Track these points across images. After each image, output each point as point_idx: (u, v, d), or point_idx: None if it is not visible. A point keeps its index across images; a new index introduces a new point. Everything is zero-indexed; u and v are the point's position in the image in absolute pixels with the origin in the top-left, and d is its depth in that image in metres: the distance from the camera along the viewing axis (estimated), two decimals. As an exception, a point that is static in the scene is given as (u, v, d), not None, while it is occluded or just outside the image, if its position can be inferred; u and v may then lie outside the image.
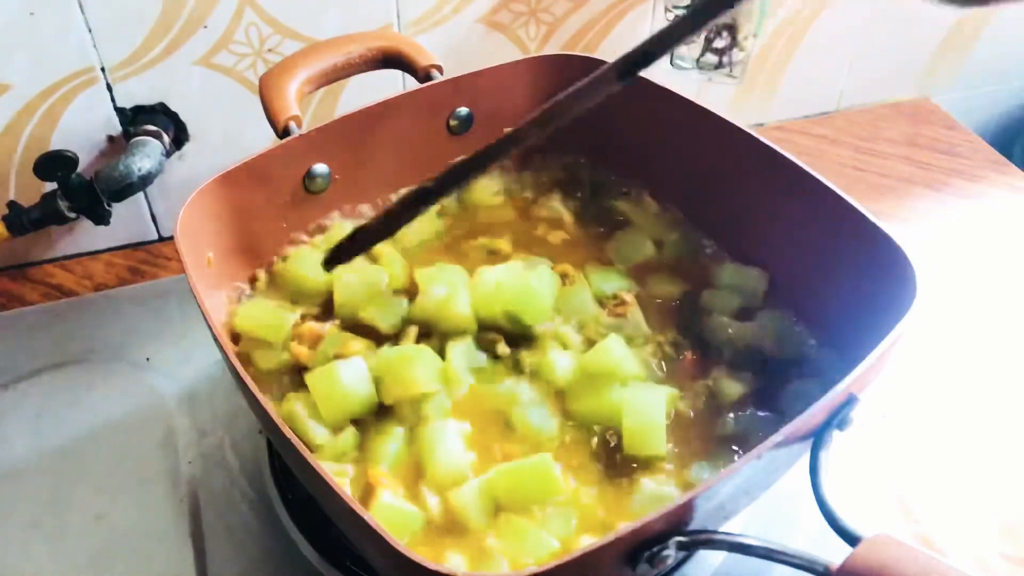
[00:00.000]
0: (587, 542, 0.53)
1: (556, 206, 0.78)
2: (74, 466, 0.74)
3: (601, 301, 0.69)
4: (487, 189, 0.80)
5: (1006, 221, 0.98)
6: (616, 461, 0.59)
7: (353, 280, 0.68)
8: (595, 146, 0.81)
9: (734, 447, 0.60)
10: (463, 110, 0.77)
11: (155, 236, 0.97)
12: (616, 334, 0.64)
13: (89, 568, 0.67)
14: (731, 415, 0.62)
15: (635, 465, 0.58)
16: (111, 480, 0.73)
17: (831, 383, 0.50)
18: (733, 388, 0.63)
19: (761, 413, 0.62)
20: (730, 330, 0.67)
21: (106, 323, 0.86)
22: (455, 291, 0.65)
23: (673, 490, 0.57)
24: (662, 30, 0.51)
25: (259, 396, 0.51)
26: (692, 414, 0.62)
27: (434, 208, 0.77)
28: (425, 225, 0.75)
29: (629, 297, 0.68)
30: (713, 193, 0.73)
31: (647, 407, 0.59)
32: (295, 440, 0.48)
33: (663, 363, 0.65)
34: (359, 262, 0.66)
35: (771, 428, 0.49)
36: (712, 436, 0.61)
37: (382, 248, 0.71)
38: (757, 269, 0.70)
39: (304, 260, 0.70)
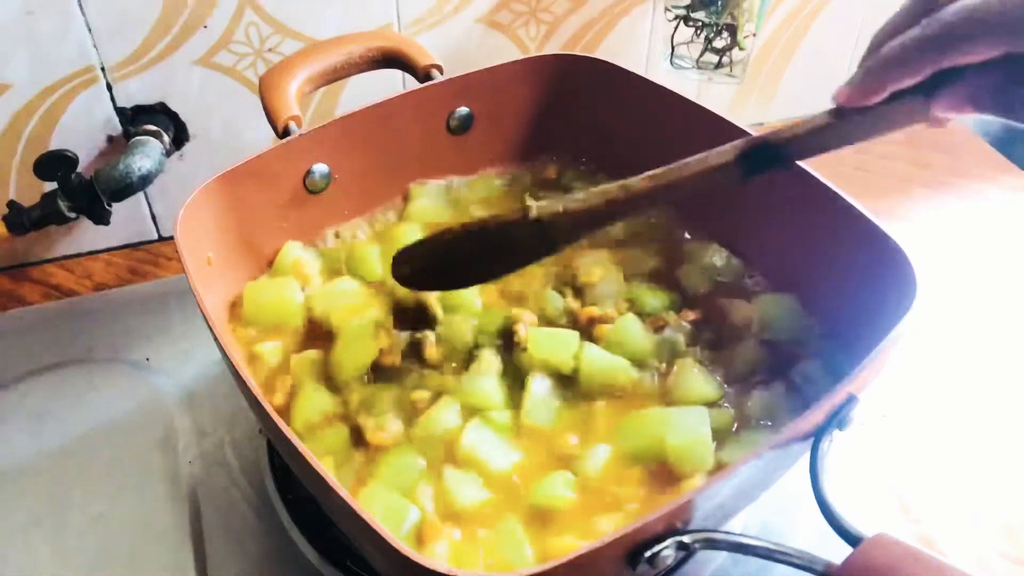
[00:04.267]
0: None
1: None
2: (74, 466, 0.74)
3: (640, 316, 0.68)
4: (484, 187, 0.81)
5: (1006, 221, 0.98)
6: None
7: (330, 291, 0.69)
8: (593, 146, 0.81)
9: (763, 422, 0.61)
10: (463, 110, 0.77)
11: (155, 236, 0.97)
12: (684, 359, 0.64)
13: (89, 568, 0.67)
14: (755, 392, 0.62)
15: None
16: (111, 480, 0.73)
17: (832, 364, 0.49)
18: (749, 363, 0.64)
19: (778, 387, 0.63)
20: (735, 310, 0.68)
21: (106, 323, 0.86)
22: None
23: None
24: (807, 127, 0.50)
25: (259, 396, 0.51)
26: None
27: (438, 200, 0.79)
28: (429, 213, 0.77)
29: (669, 316, 0.68)
30: (712, 194, 0.73)
31: (692, 424, 0.59)
32: (295, 440, 0.48)
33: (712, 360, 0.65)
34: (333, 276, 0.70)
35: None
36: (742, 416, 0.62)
37: (364, 249, 0.72)
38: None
39: (268, 289, 0.69)
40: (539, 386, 0.63)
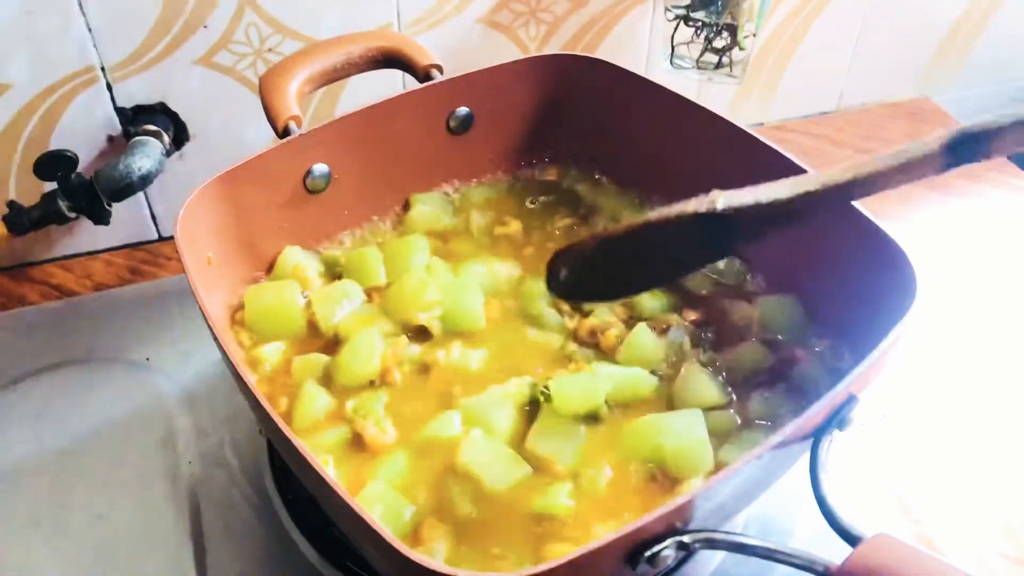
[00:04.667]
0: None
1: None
2: (74, 466, 0.74)
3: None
4: (483, 193, 0.80)
5: (1006, 221, 0.98)
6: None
7: (330, 294, 0.69)
8: (593, 146, 0.81)
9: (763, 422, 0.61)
10: (463, 110, 0.77)
11: (155, 236, 0.97)
12: (691, 364, 0.64)
13: (89, 568, 0.67)
14: (755, 392, 0.62)
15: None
16: (111, 480, 0.73)
17: (832, 365, 0.49)
18: (751, 363, 0.64)
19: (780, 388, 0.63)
20: (735, 310, 0.68)
21: (106, 323, 0.86)
22: None
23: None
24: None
25: (259, 396, 0.51)
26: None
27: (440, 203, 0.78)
28: (430, 220, 0.77)
29: (672, 318, 0.68)
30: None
31: (687, 427, 0.58)
32: (295, 440, 0.48)
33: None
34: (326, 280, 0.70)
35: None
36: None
37: (364, 254, 0.72)
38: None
39: (268, 293, 0.69)
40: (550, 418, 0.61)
